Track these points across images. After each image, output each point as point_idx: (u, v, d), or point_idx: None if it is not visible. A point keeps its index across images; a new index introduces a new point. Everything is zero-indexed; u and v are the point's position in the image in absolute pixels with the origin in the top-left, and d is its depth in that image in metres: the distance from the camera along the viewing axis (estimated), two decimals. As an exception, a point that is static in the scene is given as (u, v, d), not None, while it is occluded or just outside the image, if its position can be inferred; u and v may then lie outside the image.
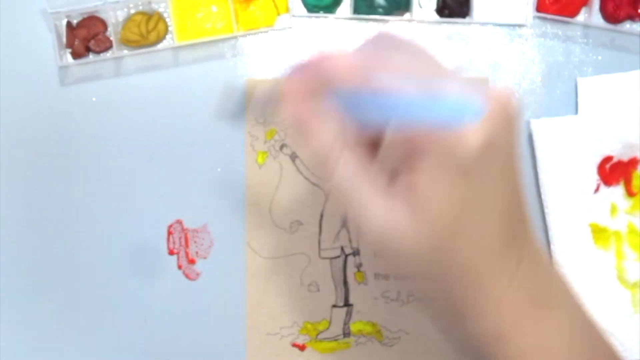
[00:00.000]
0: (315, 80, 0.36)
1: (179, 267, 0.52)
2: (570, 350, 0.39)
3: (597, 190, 0.51)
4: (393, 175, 0.35)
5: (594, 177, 0.51)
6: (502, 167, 0.33)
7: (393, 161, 0.36)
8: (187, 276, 0.52)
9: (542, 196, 0.51)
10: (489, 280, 0.35)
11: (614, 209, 0.51)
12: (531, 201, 0.52)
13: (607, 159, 0.51)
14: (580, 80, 0.52)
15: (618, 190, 0.51)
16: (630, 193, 0.51)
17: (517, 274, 0.36)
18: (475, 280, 0.36)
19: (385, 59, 0.35)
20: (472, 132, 0.32)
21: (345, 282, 0.52)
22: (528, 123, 0.51)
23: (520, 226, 0.36)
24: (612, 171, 0.51)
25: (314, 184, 0.52)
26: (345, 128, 0.35)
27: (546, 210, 0.51)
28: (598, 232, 0.51)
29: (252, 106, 0.43)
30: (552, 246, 0.51)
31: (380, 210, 0.34)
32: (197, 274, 0.52)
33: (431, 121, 0.31)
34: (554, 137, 0.50)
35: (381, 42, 0.37)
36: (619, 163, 0.51)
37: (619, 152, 0.51)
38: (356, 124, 0.35)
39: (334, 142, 0.35)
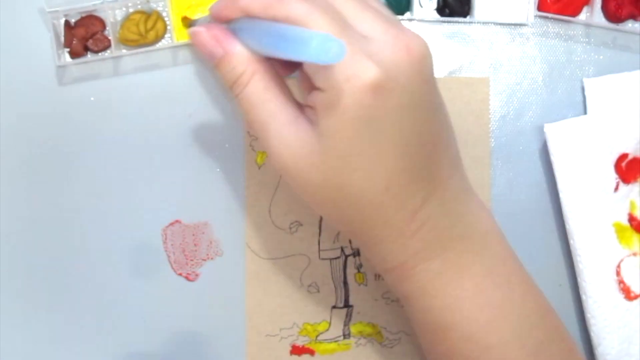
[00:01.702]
0: (232, 6, 0.39)
1: (178, 268, 0.52)
2: (490, 298, 0.40)
3: (616, 188, 0.50)
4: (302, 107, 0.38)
5: (613, 176, 0.50)
6: (399, 107, 0.35)
7: (302, 94, 0.39)
8: (186, 277, 0.52)
9: (561, 200, 0.49)
10: (388, 212, 0.37)
11: (633, 207, 0.50)
12: (548, 206, 0.51)
13: (623, 157, 0.50)
14: (586, 80, 0.51)
15: (636, 187, 0.50)
16: None
17: (423, 208, 0.38)
18: (373, 213, 0.37)
19: None
20: (361, 72, 0.34)
21: (345, 283, 0.52)
22: (537, 127, 0.51)
23: (428, 164, 0.37)
24: (629, 168, 0.50)
25: (314, 184, 0.52)
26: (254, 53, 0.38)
27: (567, 215, 0.49)
28: (622, 231, 0.50)
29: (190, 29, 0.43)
30: (577, 251, 0.49)
31: (280, 132, 0.37)
32: (196, 275, 0.52)
33: (301, 57, 0.33)
34: (567, 139, 0.49)
35: None
36: (635, 160, 0.50)
37: (633, 149, 0.50)
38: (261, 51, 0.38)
39: (247, 64, 0.38)
